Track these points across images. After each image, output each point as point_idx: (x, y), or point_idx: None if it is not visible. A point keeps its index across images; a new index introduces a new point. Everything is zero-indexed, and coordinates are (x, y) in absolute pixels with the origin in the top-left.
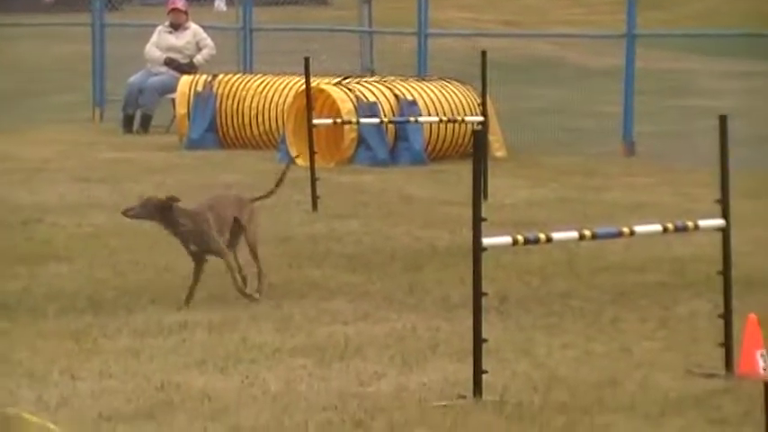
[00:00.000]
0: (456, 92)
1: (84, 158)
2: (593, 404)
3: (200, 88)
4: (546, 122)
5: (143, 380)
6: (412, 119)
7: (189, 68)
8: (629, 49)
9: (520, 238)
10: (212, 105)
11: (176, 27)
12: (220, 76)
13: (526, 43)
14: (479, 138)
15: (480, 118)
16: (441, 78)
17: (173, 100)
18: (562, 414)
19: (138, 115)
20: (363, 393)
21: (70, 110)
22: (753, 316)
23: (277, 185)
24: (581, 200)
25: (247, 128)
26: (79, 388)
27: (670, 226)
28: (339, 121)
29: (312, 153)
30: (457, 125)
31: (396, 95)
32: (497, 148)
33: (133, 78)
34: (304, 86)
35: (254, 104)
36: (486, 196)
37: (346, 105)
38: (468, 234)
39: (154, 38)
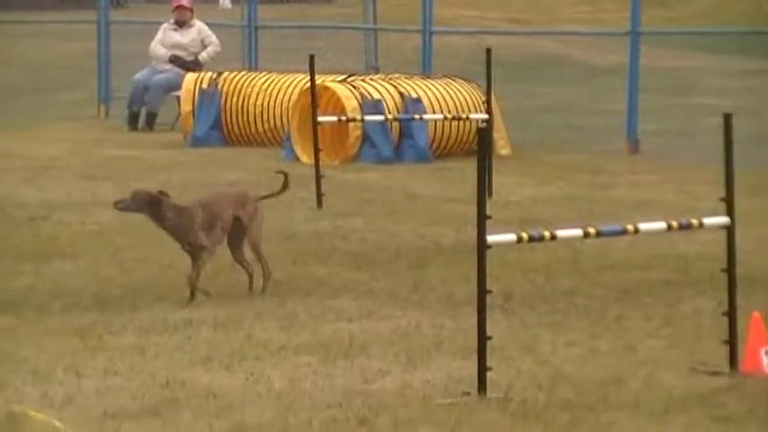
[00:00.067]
0: (461, 89)
1: (90, 156)
2: (597, 402)
3: (205, 86)
4: (551, 120)
5: (148, 377)
6: (417, 116)
7: (194, 66)
8: (634, 46)
9: (524, 235)
10: (217, 103)
11: (181, 24)
12: (225, 74)
13: (531, 41)
14: (484, 135)
15: (485, 116)
16: (445, 76)
17: (178, 97)
18: (567, 411)
19: (143, 113)
20: (368, 391)
21: (75, 107)
22: (757, 314)
23: (283, 189)
24: (586, 197)
25: (252, 125)
26: (84, 385)
27: (674, 224)
28: (344, 118)
29: (317, 150)
30: (462, 123)
31: (400, 93)
32: (502, 145)
33: (138, 76)
34: (309, 84)
35: (258, 102)
36: (490, 194)
37: (351, 103)
38: (472, 231)
39: (159, 35)
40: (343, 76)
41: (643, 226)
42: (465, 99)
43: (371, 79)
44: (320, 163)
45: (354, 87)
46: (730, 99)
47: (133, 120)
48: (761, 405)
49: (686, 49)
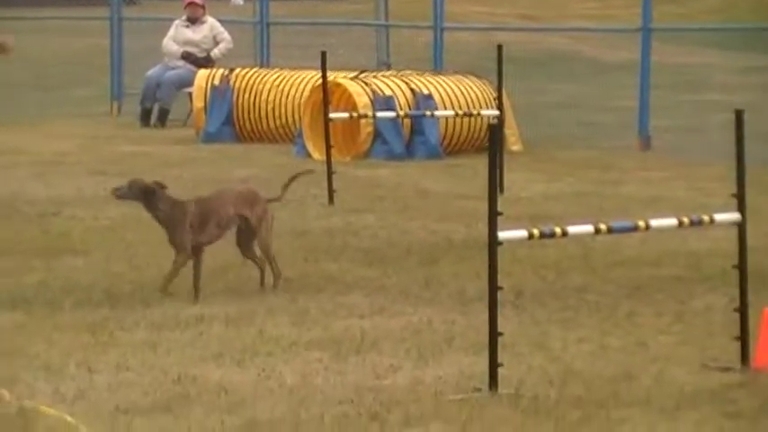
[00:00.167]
0: (472, 86)
1: (102, 152)
2: (608, 398)
3: (216, 82)
4: (562, 116)
5: (160, 373)
6: (428, 113)
7: (206, 62)
8: (645, 43)
9: (535, 232)
10: (229, 99)
11: (193, 21)
12: (237, 70)
13: (542, 37)
14: (495, 132)
15: (496, 112)
16: (457, 72)
17: (190, 94)
18: (577, 408)
19: (156, 109)
20: (379, 387)
21: (87, 104)
22: None
23: (289, 183)
24: (597, 194)
25: (264, 122)
26: (96, 381)
27: (686, 220)
28: (355, 115)
29: (328, 147)
30: (473, 119)
31: (412, 89)
32: (513, 142)
33: (150, 72)
34: (320, 80)
35: (270, 98)
36: (501, 190)
37: (362, 99)
38: (483, 228)
39: (171, 32)
40: (355, 73)
41: (654, 222)
42: (476, 95)
43: (383, 76)
44: (332, 159)
45: (366, 84)
46: (741, 95)
47: (145, 116)
48: None
49: (697, 46)
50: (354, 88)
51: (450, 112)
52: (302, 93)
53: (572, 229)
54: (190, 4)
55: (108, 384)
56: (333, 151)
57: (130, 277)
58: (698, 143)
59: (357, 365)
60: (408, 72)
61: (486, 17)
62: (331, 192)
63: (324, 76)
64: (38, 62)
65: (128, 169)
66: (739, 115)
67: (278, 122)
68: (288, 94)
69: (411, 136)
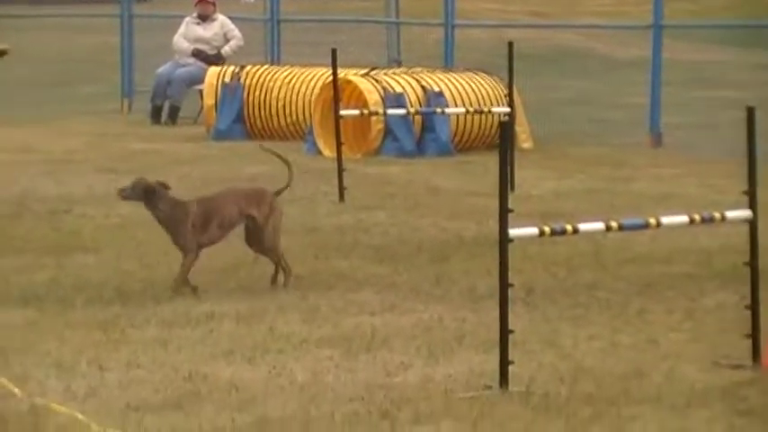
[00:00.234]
0: (483, 83)
1: (112, 149)
2: (619, 395)
3: (227, 79)
4: (573, 113)
5: (171, 370)
6: (439, 110)
7: (216, 60)
8: (656, 40)
9: (546, 229)
10: (239, 96)
11: (204, 18)
12: (248, 68)
13: (553, 34)
14: (506, 129)
15: (507, 109)
16: (467, 69)
17: (200, 91)
18: (588, 405)
19: (166, 106)
20: (390, 384)
21: (98, 101)
22: None
23: (290, 175)
24: (608, 191)
25: (274, 119)
26: (107, 378)
27: (697, 217)
28: (366, 112)
29: (339, 144)
30: (484, 116)
31: (422, 86)
32: (524, 139)
33: (161, 69)
34: (331, 78)
35: (281, 96)
36: (512, 187)
37: (373, 96)
38: (494, 225)
39: (182, 29)
40: (366, 70)
41: (665, 219)
42: (487, 92)
43: (394, 73)
44: (342, 156)
45: (377, 81)
46: (753, 92)
47: (156, 113)
48: None
49: (709, 43)
50: (365, 85)
51: (461, 110)
52: (313, 90)
53: (583, 227)
54: (200, 1)
55: (119, 382)
56: (343, 148)
57: (141, 275)
58: (709, 140)
59: (367, 363)
60: (419, 69)
61: (498, 14)
62: (342, 189)
63: (334, 74)
64: (48, 60)
65: (138, 167)
66: (751, 112)
67: (288, 120)
68: (298, 91)
69: (422, 133)
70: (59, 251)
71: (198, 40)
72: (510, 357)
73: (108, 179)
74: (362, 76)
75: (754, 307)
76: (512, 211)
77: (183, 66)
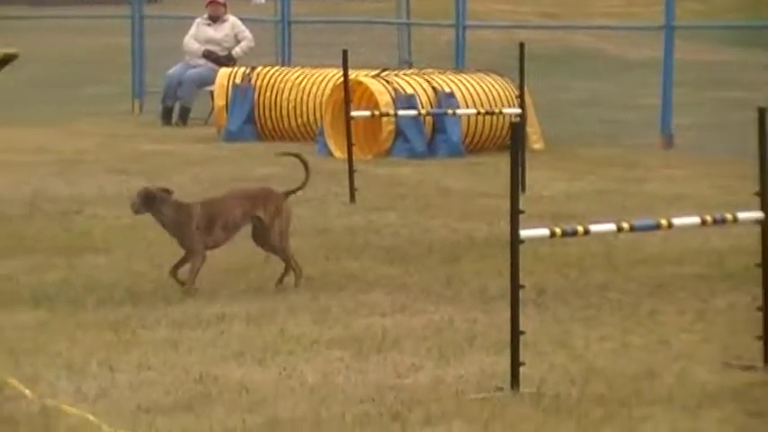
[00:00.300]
0: (494, 84)
1: (123, 150)
2: (630, 396)
3: (238, 80)
4: (584, 114)
5: (181, 372)
6: (450, 111)
7: (227, 61)
8: (668, 40)
9: (558, 230)
10: (250, 97)
11: (215, 19)
12: (258, 69)
13: (564, 35)
14: (517, 130)
15: (518, 110)
16: (478, 70)
17: (211, 92)
18: (600, 406)
19: (177, 107)
20: (401, 386)
21: (107, 102)
22: None
23: (306, 177)
24: (619, 192)
25: (285, 120)
26: (118, 379)
27: (708, 218)
28: (377, 113)
29: (350, 145)
30: (495, 117)
31: (433, 87)
32: (535, 140)
33: (172, 71)
34: (342, 79)
35: (291, 97)
36: (523, 188)
37: (384, 98)
38: (505, 226)
39: (192, 30)
40: (377, 71)
41: (677, 220)
42: (498, 93)
43: (404, 74)
44: (353, 158)
45: (387, 82)
46: (764, 93)
47: (166, 114)
48: None
49: (720, 43)
50: (376, 86)
51: (472, 111)
52: (324, 91)
53: (594, 228)
54: (211, 2)
55: (130, 383)
56: (354, 149)
57: (152, 276)
58: (721, 141)
59: (378, 364)
60: (430, 70)
61: (509, 15)
62: (352, 190)
63: (345, 75)
64: (59, 61)
65: (149, 168)
66: (762, 113)
67: (299, 121)
68: (309, 92)
69: (433, 134)
70: (70, 252)
71: (209, 41)
72: (521, 358)
73: (119, 180)
74: (373, 77)
75: (765, 308)
76: (523, 212)
77: (194, 67)
